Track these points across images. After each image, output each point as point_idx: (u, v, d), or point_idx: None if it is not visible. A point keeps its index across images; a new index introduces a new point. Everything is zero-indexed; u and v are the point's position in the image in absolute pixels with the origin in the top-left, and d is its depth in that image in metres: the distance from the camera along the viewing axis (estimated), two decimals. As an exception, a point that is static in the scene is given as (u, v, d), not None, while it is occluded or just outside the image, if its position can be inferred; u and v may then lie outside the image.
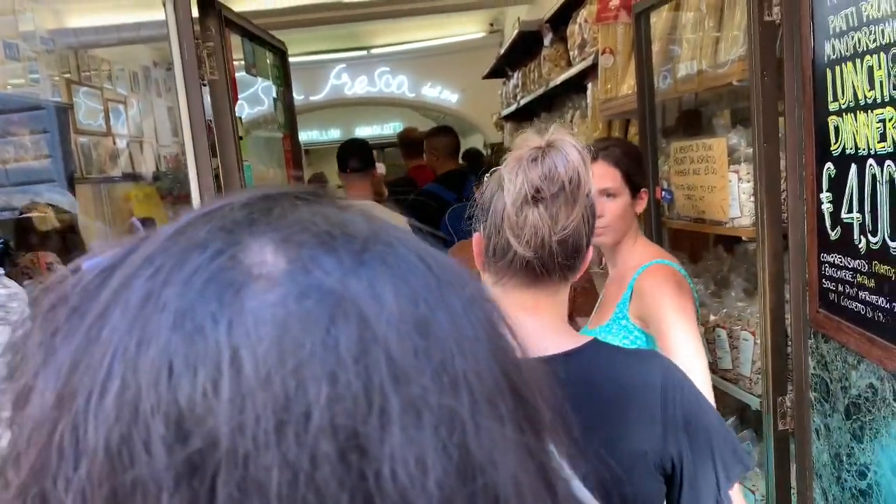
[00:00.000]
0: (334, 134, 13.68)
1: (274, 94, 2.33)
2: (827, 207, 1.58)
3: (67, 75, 6.64)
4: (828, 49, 1.52)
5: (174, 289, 0.32)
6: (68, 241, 2.77)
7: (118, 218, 6.94)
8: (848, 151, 1.47)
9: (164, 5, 1.75)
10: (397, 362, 0.31)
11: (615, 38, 2.83)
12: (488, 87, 7.29)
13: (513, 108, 5.34)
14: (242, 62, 2.21)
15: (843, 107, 1.47)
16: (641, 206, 1.82)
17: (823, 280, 1.63)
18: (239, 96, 2.17)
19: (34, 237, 2.61)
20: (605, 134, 3.17)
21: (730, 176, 1.95)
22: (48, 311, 0.35)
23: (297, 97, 8.84)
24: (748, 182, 1.90)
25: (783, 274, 1.79)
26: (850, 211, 1.49)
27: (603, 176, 1.74)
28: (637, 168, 1.84)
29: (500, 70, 5.95)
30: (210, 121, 1.83)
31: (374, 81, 8.66)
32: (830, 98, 1.52)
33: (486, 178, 1.12)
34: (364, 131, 13.71)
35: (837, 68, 1.48)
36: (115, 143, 7.44)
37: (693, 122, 2.64)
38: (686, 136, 2.52)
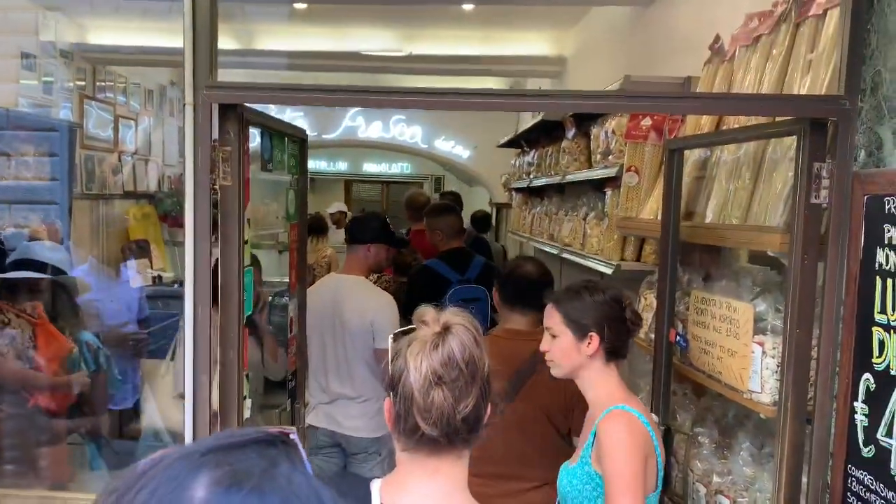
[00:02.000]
0: (341, 167, 13.67)
1: (288, 185, 2.23)
2: (861, 420, 1.47)
3: (82, 83, 6.57)
4: (880, 257, 1.43)
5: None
6: (58, 295, 2.63)
7: (113, 237, 6.78)
8: (894, 373, 1.37)
9: (184, 107, 1.65)
10: None
11: (642, 157, 2.76)
12: (500, 148, 7.24)
13: (525, 184, 5.28)
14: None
15: (894, 324, 1.38)
16: (589, 349, 1.85)
17: (849, 494, 1.51)
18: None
19: (22, 292, 2.48)
20: (620, 245, 3.07)
21: (753, 346, 1.85)
22: (106, 496, 0.61)
23: (311, 134, 8.83)
24: (773, 358, 1.80)
25: (801, 469, 1.68)
26: (889, 435, 1.38)
27: (547, 316, 1.91)
28: (581, 312, 1.87)
29: (515, 141, 5.89)
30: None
31: (388, 128, 8.62)
32: (878, 308, 1.43)
33: (390, 344, 1.28)
34: (371, 168, 13.71)
35: (889, 281, 1.39)
36: (119, 159, 7.33)
37: (714, 256, 2.56)
38: (705, 272, 2.43)
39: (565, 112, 3.57)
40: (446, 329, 1.20)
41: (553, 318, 1.89)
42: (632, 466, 1.69)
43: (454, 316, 1.23)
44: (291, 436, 0.71)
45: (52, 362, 2.79)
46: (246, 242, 1.84)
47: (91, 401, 2.54)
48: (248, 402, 1.91)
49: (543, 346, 1.94)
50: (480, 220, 7.16)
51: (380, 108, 7.91)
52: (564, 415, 2.46)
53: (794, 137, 1.76)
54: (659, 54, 3.82)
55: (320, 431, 3.27)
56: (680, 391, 2.63)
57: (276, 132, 2.06)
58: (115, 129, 7.30)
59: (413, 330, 1.28)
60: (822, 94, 1.65)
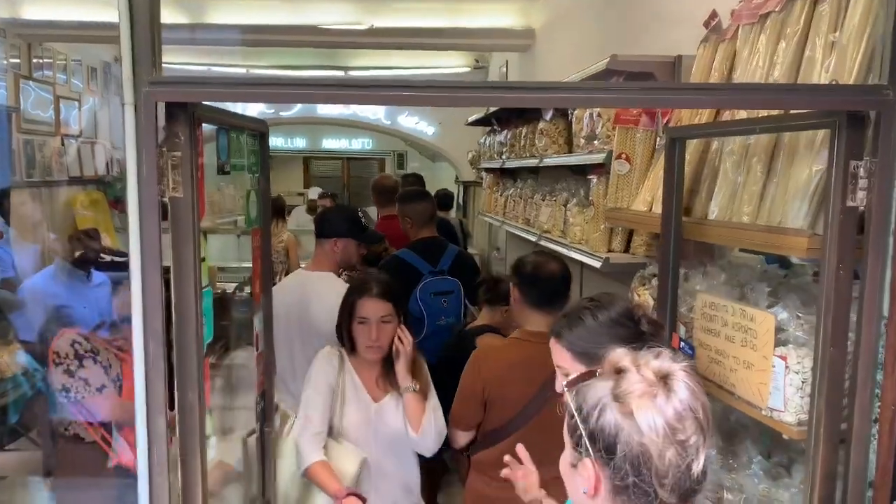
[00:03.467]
0: (300, 143, 13.27)
1: (248, 186, 1.97)
2: (912, 453, 1.32)
3: (16, 61, 6.08)
4: (937, 271, 1.26)
5: None
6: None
7: (61, 228, 6.35)
8: (956, 406, 1.21)
9: (123, 106, 1.39)
10: None
11: (633, 143, 2.56)
12: (468, 126, 7.01)
13: (497, 164, 5.06)
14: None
15: (955, 350, 1.21)
16: None
17: (895, 533, 1.36)
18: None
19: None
20: (607, 236, 2.89)
21: (774, 360, 1.68)
22: None
23: (267, 111, 8.43)
24: (798, 374, 1.63)
25: (834, 498, 1.52)
26: (949, 476, 1.22)
27: (553, 353, 1.68)
28: (589, 341, 1.61)
29: (485, 118, 5.65)
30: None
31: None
32: (934, 330, 1.26)
33: (576, 397, 1.08)
34: (331, 144, 13.35)
35: (951, 301, 1.22)
36: (62, 142, 6.85)
37: (707, 246, 2.39)
38: (704, 268, 2.26)
39: (546, 105, 3.33)
40: (667, 376, 1.03)
41: (560, 355, 1.65)
42: None
43: (666, 360, 1.05)
44: None
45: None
46: (203, 260, 1.60)
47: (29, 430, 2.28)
48: (213, 440, 1.68)
49: (559, 388, 1.63)
50: (441, 198, 6.93)
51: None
52: None
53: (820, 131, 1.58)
54: (639, 27, 3.61)
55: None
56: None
57: (234, 128, 1.81)
58: (56, 110, 6.82)
59: (591, 375, 1.09)
60: (859, 83, 1.47)
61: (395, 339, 2.38)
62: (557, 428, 2.28)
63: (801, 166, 1.71)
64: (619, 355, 1.08)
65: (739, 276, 2.14)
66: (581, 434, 1.06)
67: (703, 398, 1.03)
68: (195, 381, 1.48)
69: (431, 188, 7.42)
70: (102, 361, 2.32)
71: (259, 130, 2.03)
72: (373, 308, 2.39)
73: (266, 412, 2.16)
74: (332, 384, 2.39)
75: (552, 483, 2.22)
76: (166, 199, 1.44)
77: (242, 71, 7.84)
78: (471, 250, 6.95)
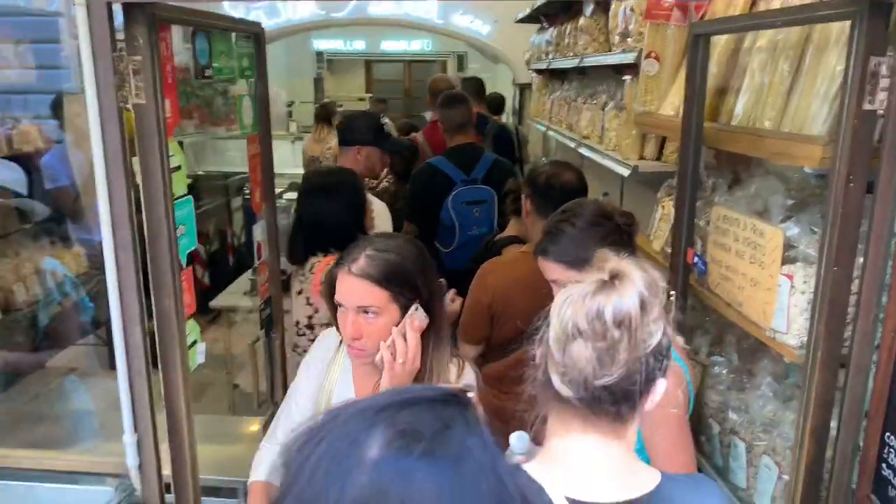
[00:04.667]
0: (359, 46, 13.02)
1: (244, 91, 1.91)
2: (908, 384, 1.20)
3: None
4: (950, 185, 1.10)
5: (327, 461, 0.62)
6: (12, 222, 2.41)
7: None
8: (954, 337, 1.08)
9: (73, 6, 1.34)
10: None
11: (664, 41, 2.36)
12: (520, 24, 6.66)
13: (544, 65, 4.82)
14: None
15: (959, 275, 1.07)
16: None
17: (884, 466, 1.27)
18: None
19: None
20: (640, 142, 2.72)
21: (780, 279, 1.56)
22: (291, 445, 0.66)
23: (319, 12, 8.21)
24: (803, 294, 1.51)
25: (829, 426, 1.43)
26: (940, 411, 1.11)
27: (546, 270, 1.69)
28: (576, 249, 1.63)
29: (532, 14, 5.35)
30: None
31: (400, 2, 7.99)
32: (941, 252, 1.12)
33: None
34: (390, 45, 13.04)
35: (960, 220, 1.07)
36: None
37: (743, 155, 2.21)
38: (733, 176, 2.10)
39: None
40: (612, 278, 1.00)
41: (552, 269, 1.65)
42: (682, 421, 1.50)
43: (631, 268, 1.01)
44: (469, 394, 0.69)
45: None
46: (178, 168, 1.57)
47: (60, 335, 2.38)
48: (202, 347, 1.71)
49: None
50: (492, 102, 6.67)
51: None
52: None
53: (847, 23, 1.39)
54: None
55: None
56: (698, 305, 2.37)
57: (214, 29, 1.74)
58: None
59: None
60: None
61: (384, 343, 1.49)
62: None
63: (826, 65, 1.52)
64: (603, 254, 1.05)
65: (771, 185, 1.97)
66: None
67: (635, 314, 0.96)
68: (170, 288, 1.49)
69: (490, 91, 7.16)
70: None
71: (251, 32, 1.95)
72: (348, 290, 1.50)
73: (273, 319, 2.19)
74: (320, 380, 1.70)
75: None
76: (129, 107, 1.40)
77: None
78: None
